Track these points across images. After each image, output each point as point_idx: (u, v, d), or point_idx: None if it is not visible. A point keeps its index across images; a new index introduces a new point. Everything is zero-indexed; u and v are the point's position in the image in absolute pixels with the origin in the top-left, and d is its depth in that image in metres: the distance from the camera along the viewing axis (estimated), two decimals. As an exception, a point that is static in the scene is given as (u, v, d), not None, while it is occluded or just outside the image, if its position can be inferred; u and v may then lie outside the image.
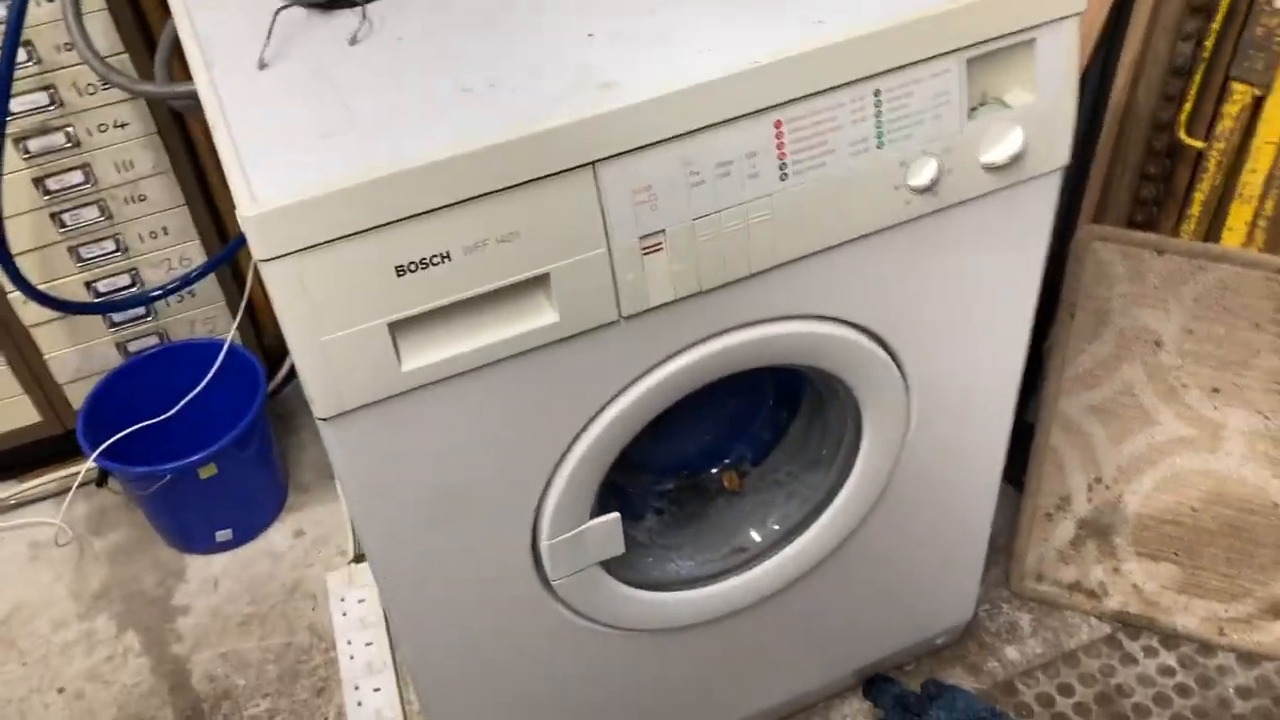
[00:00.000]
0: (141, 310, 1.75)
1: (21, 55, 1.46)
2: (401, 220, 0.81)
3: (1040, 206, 1.05)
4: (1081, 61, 1.42)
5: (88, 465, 1.62)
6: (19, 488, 1.84)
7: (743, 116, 0.87)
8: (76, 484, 1.73)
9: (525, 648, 1.13)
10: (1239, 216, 1.41)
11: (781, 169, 0.91)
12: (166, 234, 1.70)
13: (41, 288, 1.56)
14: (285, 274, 0.80)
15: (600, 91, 0.84)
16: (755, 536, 1.23)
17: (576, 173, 0.84)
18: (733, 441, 1.28)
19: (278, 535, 1.78)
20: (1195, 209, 1.45)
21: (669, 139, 0.86)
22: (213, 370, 1.68)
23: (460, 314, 0.87)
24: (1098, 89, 1.47)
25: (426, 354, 0.87)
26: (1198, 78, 1.39)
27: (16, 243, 1.55)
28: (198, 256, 1.74)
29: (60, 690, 1.60)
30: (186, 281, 1.66)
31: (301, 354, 0.83)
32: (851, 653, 1.43)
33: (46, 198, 1.59)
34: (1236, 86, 1.36)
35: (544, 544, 1.04)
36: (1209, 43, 1.37)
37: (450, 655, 1.10)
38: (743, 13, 0.91)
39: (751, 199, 0.91)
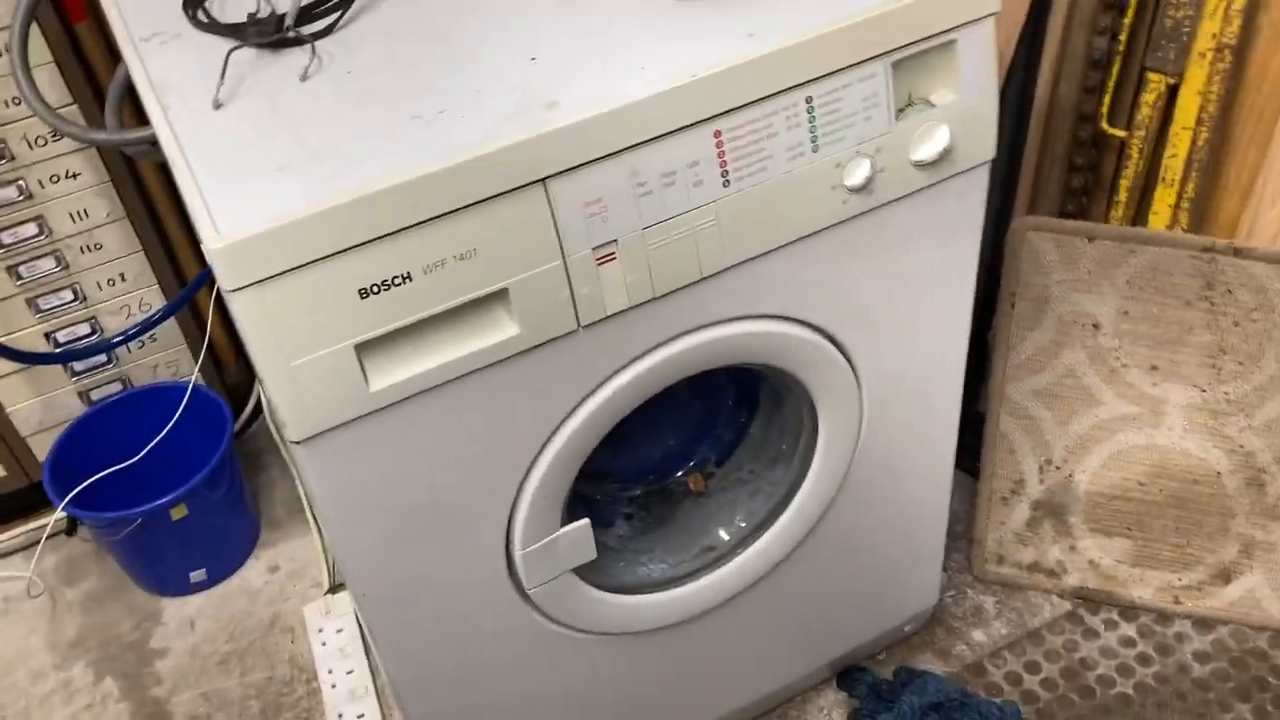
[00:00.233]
0: (103, 358, 1.76)
1: (-30, 111, 1.48)
2: (361, 244, 0.84)
3: (971, 199, 1.10)
4: (1005, 61, 1.48)
5: (56, 515, 1.62)
6: (-14, 544, 1.84)
7: (683, 128, 0.91)
8: (45, 535, 1.74)
9: (504, 657, 1.16)
10: (1163, 200, 1.47)
11: (724, 176, 0.95)
12: (124, 280, 1.71)
13: (0, 340, 1.57)
14: (252, 303, 0.83)
15: (546, 111, 0.88)
16: (723, 535, 1.27)
17: (528, 189, 0.88)
18: (696, 444, 1.32)
19: (252, 572, 1.80)
20: (1122, 195, 1.51)
21: (615, 153, 0.90)
22: (178, 412, 1.69)
23: (424, 332, 0.91)
24: (1022, 86, 1.53)
25: (393, 373, 0.90)
26: (1115, 70, 1.46)
27: (-26, 297, 1.57)
28: (157, 301, 1.75)
29: (42, 741, 1.61)
30: (147, 326, 1.68)
31: (271, 379, 0.86)
32: (823, 645, 1.47)
33: (1, 251, 1.61)
34: (1151, 76, 1.43)
35: (517, 553, 1.07)
36: (1123, 36, 1.43)
37: (431, 668, 1.13)
38: (677, 30, 0.95)
39: (697, 206, 0.95)
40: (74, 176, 1.60)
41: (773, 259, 1.02)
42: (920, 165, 1.03)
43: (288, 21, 0.99)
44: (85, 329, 1.72)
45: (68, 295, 1.69)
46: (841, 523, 1.30)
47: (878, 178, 1.01)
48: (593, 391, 1.01)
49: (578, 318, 0.95)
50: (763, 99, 0.93)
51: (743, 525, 1.26)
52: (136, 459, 1.66)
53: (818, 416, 1.18)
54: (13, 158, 1.54)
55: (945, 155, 1.03)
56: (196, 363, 1.81)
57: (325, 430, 0.90)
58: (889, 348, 1.16)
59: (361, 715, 1.56)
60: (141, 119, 1.46)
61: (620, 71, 0.91)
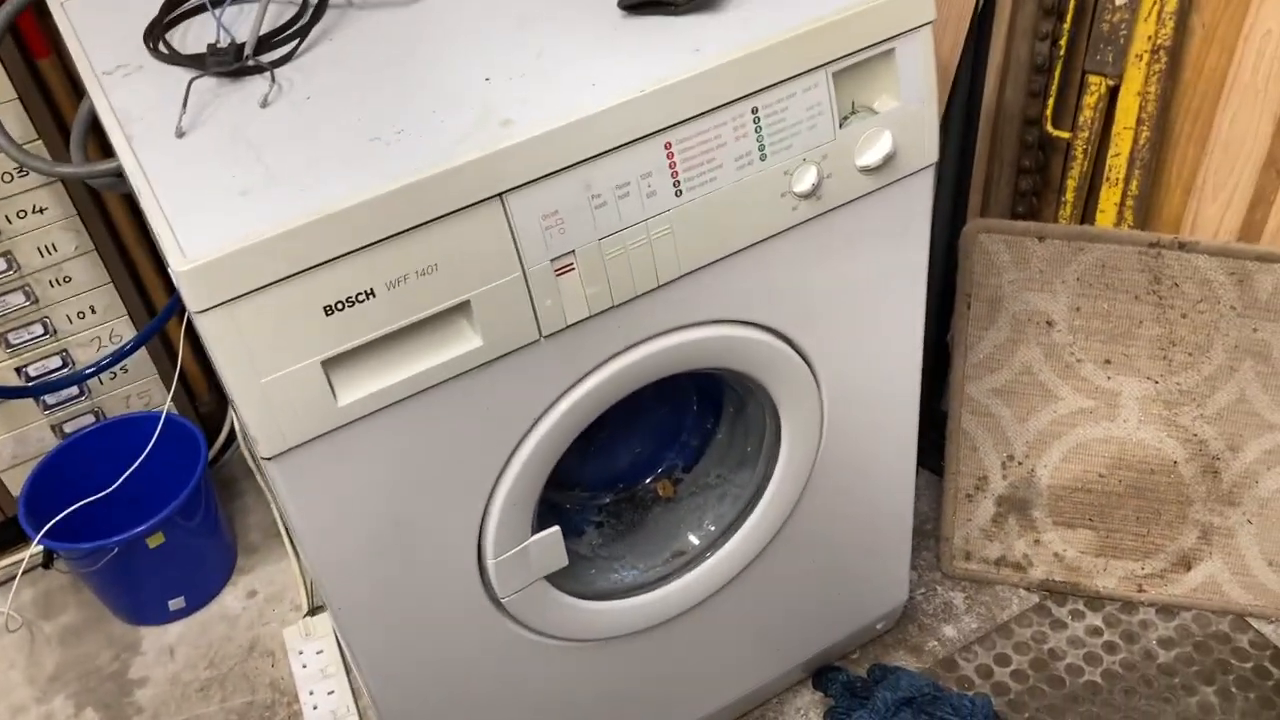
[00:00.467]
0: (75, 390, 1.77)
1: (-64, 150, 1.49)
2: (324, 263, 0.87)
3: (917, 201, 1.13)
4: (951, 70, 1.53)
5: (33, 548, 1.63)
6: (-38, 580, 1.84)
7: (635, 141, 0.95)
8: (22, 569, 1.74)
9: (481, 666, 1.18)
10: (1109, 199, 1.52)
11: (676, 186, 0.98)
12: (94, 312, 1.73)
13: (-27, 376, 1.59)
14: (220, 323, 0.85)
15: (501, 128, 0.91)
16: (693, 539, 1.30)
17: (486, 204, 0.91)
18: (663, 451, 1.35)
19: (231, 598, 1.81)
20: (1069, 195, 1.55)
21: (569, 166, 0.93)
22: (152, 441, 1.71)
23: (389, 346, 0.93)
24: (969, 93, 1.57)
25: (360, 388, 0.93)
26: (1057, 74, 1.50)
27: (-56, 334, 1.58)
28: (127, 332, 1.77)
29: (24, 774, 1.61)
30: (119, 357, 1.70)
31: (242, 397, 0.88)
32: (797, 645, 1.49)
33: (-29, 287, 1.62)
34: (1092, 79, 1.47)
35: (489, 562, 1.10)
36: (1063, 41, 1.48)
37: (409, 679, 1.15)
38: (625, 47, 0.99)
39: (652, 216, 0.98)
40: (41, 211, 1.62)
41: (728, 265, 1.05)
42: (866, 170, 1.06)
43: (247, 51, 1.02)
44: (56, 362, 1.74)
45: (38, 329, 1.70)
46: (808, 523, 1.33)
47: (825, 184, 1.05)
48: (557, 399, 1.04)
49: (539, 328, 0.98)
50: (710, 111, 0.97)
51: (712, 529, 1.29)
52: (111, 489, 1.67)
53: (780, 419, 1.21)
54: (-21, 195, 1.56)
55: (889, 160, 1.06)
56: (169, 392, 1.83)
57: (296, 445, 0.92)
58: (845, 348, 1.20)
59: (343, 735, 1.57)
60: (106, 152, 1.48)
61: (572, 88, 0.94)
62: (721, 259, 1.05)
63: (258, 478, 1.94)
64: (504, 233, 0.93)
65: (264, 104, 0.99)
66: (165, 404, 1.80)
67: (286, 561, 1.84)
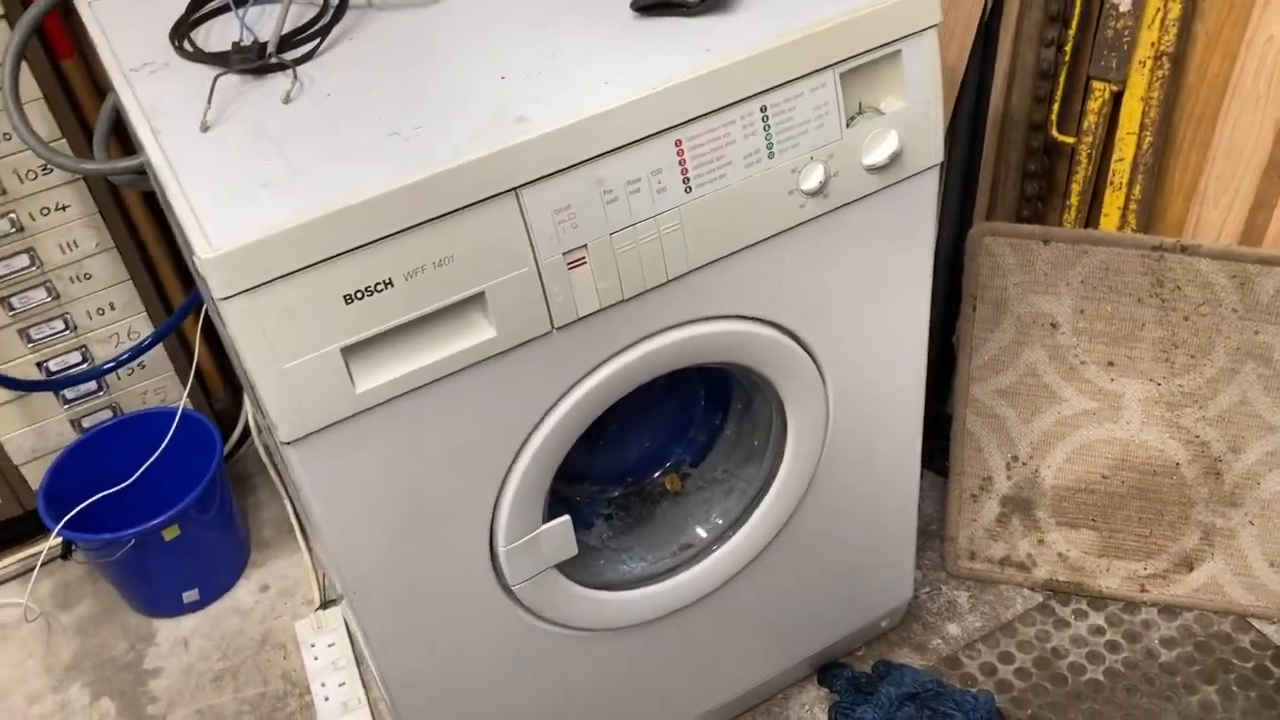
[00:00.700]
0: (93, 386, 1.80)
1: (-37, 147, 1.53)
2: (345, 253, 0.89)
3: (922, 201, 1.16)
4: (959, 76, 1.55)
5: (53, 537, 1.66)
6: (-20, 572, 1.87)
7: (646, 138, 0.97)
8: (41, 559, 1.77)
9: (491, 652, 1.20)
10: (1112, 203, 1.54)
11: (686, 182, 1.01)
12: (113, 309, 1.76)
13: (-5, 369, 1.62)
14: (243, 309, 0.88)
15: (516, 125, 0.94)
16: (700, 532, 1.32)
17: (501, 199, 0.94)
18: (672, 446, 1.37)
19: (244, 592, 1.83)
20: (1074, 199, 1.58)
21: (582, 162, 0.95)
22: (169, 435, 1.74)
23: (406, 336, 0.96)
24: (976, 98, 1.59)
25: (377, 375, 0.95)
26: (1062, 80, 1.52)
27: (-32, 328, 1.61)
28: (145, 329, 1.80)
29: (40, 762, 1.63)
30: (138, 351, 1.73)
31: (263, 382, 0.91)
32: (802, 641, 1.51)
33: (-6, 282, 1.66)
34: (1096, 84, 1.50)
35: (501, 550, 1.12)
36: (1068, 47, 1.50)
37: (421, 664, 1.17)
38: (637, 47, 1.01)
39: (662, 211, 1.01)
40: (63, 209, 1.65)
41: (736, 261, 1.08)
42: (872, 169, 1.09)
43: (270, 49, 1.05)
44: (76, 357, 1.77)
45: (59, 325, 1.73)
46: (814, 518, 1.35)
47: (832, 182, 1.07)
48: (568, 391, 1.07)
49: (551, 320, 1.01)
50: (720, 109, 0.99)
51: (719, 522, 1.31)
52: (129, 483, 1.70)
53: (786, 414, 1.24)
54: (4, 191, 1.59)
55: (895, 159, 1.09)
56: (185, 389, 1.86)
57: (314, 431, 0.95)
58: (851, 345, 1.22)
59: (354, 725, 1.59)
60: (127, 150, 1.52)
61: (585, 86, 0.97)
62: (730, 255, 1.07)
63: (271, 473, 1.96)
64: (518, 226, 0.95)
65: (286, 100, 1.02)
66: (181, 400, 1.83)
67: (299, 556, 1.86)
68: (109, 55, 1.14)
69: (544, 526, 1.14)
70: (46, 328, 1.72)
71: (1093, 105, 1.51)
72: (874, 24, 1.03)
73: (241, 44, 1.06)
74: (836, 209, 1.10)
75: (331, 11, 1.11)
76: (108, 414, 1.84)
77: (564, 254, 0.98)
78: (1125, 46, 1.45)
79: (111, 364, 1.73)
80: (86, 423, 1.83)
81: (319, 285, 0.89)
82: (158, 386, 1.87)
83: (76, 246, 1.69)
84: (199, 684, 1.70)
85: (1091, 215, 1.59)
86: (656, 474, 1.37)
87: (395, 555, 1.07)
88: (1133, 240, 1.51)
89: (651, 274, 1.03)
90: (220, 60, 1.06)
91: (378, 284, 0.92)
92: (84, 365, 1.77)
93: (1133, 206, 1.53)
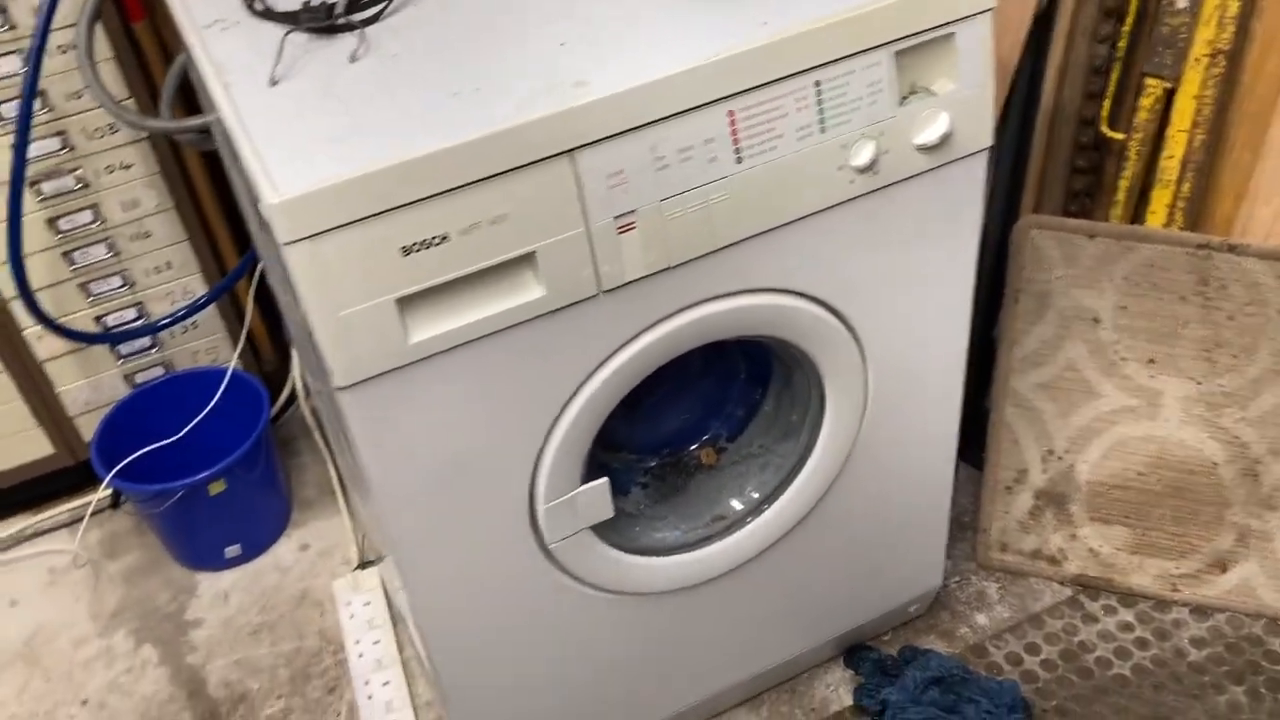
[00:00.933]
0: (148, 342, 1.85)
1: (36, 104, 1.57)
2: (404, 206, 0.92)
3: (970, 185, 1.17)
4: (1011, 69, 1.56)
5: (104, 485, 1.71)
6: (34, 519, 1.92)
7: (699, 107, 0.99)
8: (92, 508, 1.82)
9: (526, 610, 1.23)
10: (1160, 200, 1.54)
11: (737, 153, 1.03)
12: (170, 268, 1.81)
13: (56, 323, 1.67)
14: (305, 255, 0.91)
15: (575, 89, 0.96)
16: (735, 504, 1.34)
17: (556, 160, 0.96)
18: (709, 420, 1.39)
19: (284, 549, 1.87)
20: (1121, 196, 1.58)
21: (636, 128, 0.98)
22: (219, 392, 1.78)
23: (458, 291, 0.99)
24: (1027, 92, 1.60)
25: (430, 327, 0.98)
26: (1115, 76, 1.53)
27: (32, 280, 1.66)
28: (200, 289, 1.84)
29: (84, 702, 1.68)
30: (194, 309, 1.77)
31: (321, 328, 0.94)
32: (830, 620, 1.53)
33: (58, 237, 1.70)
34: (1149, 81, 1.50)
35: (540, 508, 1.15)
36: (1123, 43, 1.50)
37: (458, 619, 1.20)
38: (695, 19, 1.03)
39: (712, 181, 1.03)
40: (127, 168, 1.70)
41: (782, 234, 1.10)
42: (922, 149, 1.10)
43: (338, 9, 1.08)
44: (132, 314, 1.82)
45: (117, 281, 1.78)
46: (847, 498, 1.37)
47: (882, 159, 1.09)
48: (612, 354, 1.09)
49: (599, 283, 1.03)
50: (774, 81, 1.01)
51: (755, 496, 1.33)
52: (180, 435, 1.75)
53: (825, 391, 1.25)
54: (73, 148, 1.64)
55: (945, 140, 1.10)
56: (235, 350, 1.90)
57: (367, 378, 0.98)
58: (894, 325, 1.23)
59: (387, 683, 1.63)
60: (190, 111, 1.56)
61: (643, 54, 0.99)
62: (776, 228, 1.09)
63: (316, 436, 2.01)
64: (571, 188, 0.98)
65: (352, 59, 1.05)
66: (232, 360, 1.88)
67: (339, 518, 1.90)
68: (182, 12, 1.17)
69: (582, 487, 1.16)
70: (105, 284, 1.77)
71: (1144, 102, 1.51)
72: (930, 5, 1.04)
73: (311, 4, 1.10)
74: (885, 187, 1.11)
75: (398, -24, 1.14)
76: (159, 371, 1.89)
77: (614, 218, 1.01)
78: (1181, 43, 1.46)
79: (168, 320, 1.78)
80: (139, 378, 1.88)
81: (378, 236, 0.92)
82: (209, 346, 1.92)
83: (138, 205, 1.73)
84: (237, 636, 1.75)
85: (1138, 212, 1.59)
86: (693, 446, 1.39)
87: (438, 506, 1.10)
88: (1179, 238, 1.51)
89: (699, 242, 1.05)
90: (290, 19, 1.10)
91: (434, 238, 0.95)
92: (139, 321, 1.82)
93: (1180, 204, 1.53)
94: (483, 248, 0.97)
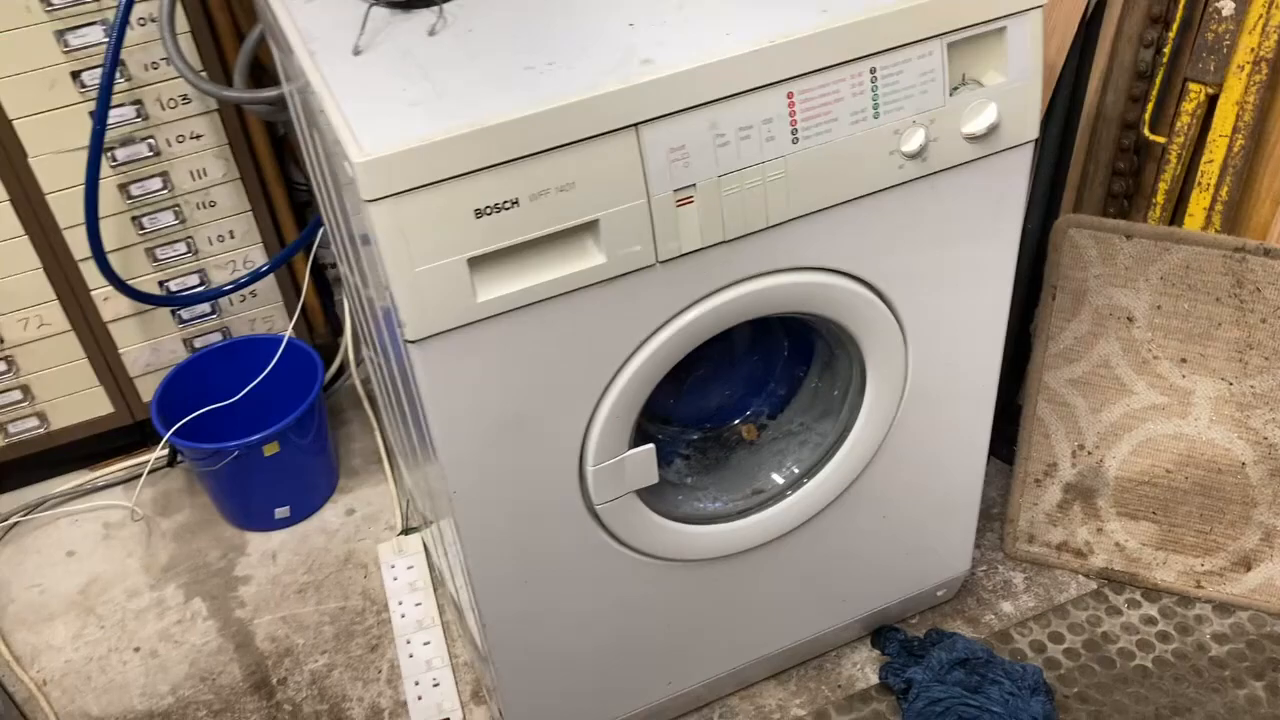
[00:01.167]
0: (207, 308, 1.92)
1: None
2: (479, 170, 0.98)
3: (1014, 175, 1.22)
4: (1055, 72, 1.60)
5: (162, 445, 1.78)
6: (91, 475, 2.00)
7: (760, 88, 1.05)
8: (150, 464, 1.89)
9: (570, 569, 1.28)
10: (1198, 203, 1.58)
11: (793, 134, 1.08)
12: (232, 237, 1.87)
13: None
14: (386, 212, 0.97)
15: (642, 66, 1.02)
16: (776, 478, 1.39)
17: (622, 133, 1.02)
18: (751, 398, 1.44)
19: (330, 514, 1.94)
20: (1160, 198, 1.62)
21: (699, 105, 1.03)
22: (276, 357, 1.85)
23: (525, 254, 1.04)
24: (1071, 95, 1.64)
25: (497, 287, 1.04)
26: (1159, 80, 1.57)
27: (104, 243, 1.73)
28: (259, 259, 1.91)
29: (136, 649, 1.75)
30: (255, 277, 1.84)
31: (397, 282, 1.00)
32: (859, 599, 1.58)
33: (129, 202, 1.77)
34: (1192, 86, 1.54)
35: (589, 469, 1.20)
36: (1167, 49, 1.54)
37: (506, 573, 1.25)
38: (759, 4, 1.08)
39: (768, 159, 1.08)
40: (197, 138, 1.77)
41: (832, 215, 1.15)
42: (970, 138, 1.15)
43: (419, -14, 1.14)
44: (194, 280, 1.89)
45: (182, 248, 1.85)
46: (882, 478, 1.41)
47: (931, 146, 1.14)
48: (664, 324, 1.14)
49: (656, 253, 1.08)
50: (831, 67, 1.06)
51: (795, 470, 1.38)
52: (237, 397, 1.82)
53: (866, 371, 1.30)
54: (147, 117, 1.71)
55: (992, 131, 1.15)
56: (290, 320, 1.97)
57: (437, 333, 1.03)
58: (935, 310, 1.28)
59: (427, 642, 1.69)
60: (257, 85, 1.62)
61: (708, 36, 1.05)
62: (827, 208, 1.14)
63: (365, 406, 2.07)
64: (635, 161, 1.03)
65: (431, 33, 1.11)
66: (287, 330, 1.95)
67: (384, 485, 1.96)
68: (269, -15, 1.24)
69: (630, 452, 1.21)
70: (171, 249, 1.84)
71: (1187, 106, 1.55)
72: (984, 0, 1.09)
73: (393, -20, 1.16)
74: (933, 174, 1.16)
75: (475, -42, 1.20)
76: (217, 337, 1.96)
77: (674, 191, 1.06)
78: (1225, 50, 1.49)
79: (231, 286, 1.84)
80: (198, 343, 1.95)
81: (454, 198, 0.98)
82: (265, 315, 1.98)
83: (205, 174, 1.80)
84: (284, 594, 1.81)
85: (1176, 215, 1.63)
86: (735, 421, 1.44)
87: (494, 462, 1.15)
88: (1216, 240, 1.55)
89: (753, 218, 1.11)
90: (372, -6, 1.16)
91: (506, 202, 1.00)
92: (200, 287, 1.89)
93: (1218, 208, 1.57)
94: (550, 214, 1.02)
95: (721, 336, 1.21)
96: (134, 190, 1.76)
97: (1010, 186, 1.23)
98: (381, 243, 0.98)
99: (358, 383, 2.09)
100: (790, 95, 1.06)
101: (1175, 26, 1.53)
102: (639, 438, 1.23)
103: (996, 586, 1.72)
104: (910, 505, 1.49)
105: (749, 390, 1.44)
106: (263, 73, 1.77)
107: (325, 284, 2.16)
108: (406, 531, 1.86)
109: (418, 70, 1.05)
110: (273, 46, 1.39)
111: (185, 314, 1.92)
